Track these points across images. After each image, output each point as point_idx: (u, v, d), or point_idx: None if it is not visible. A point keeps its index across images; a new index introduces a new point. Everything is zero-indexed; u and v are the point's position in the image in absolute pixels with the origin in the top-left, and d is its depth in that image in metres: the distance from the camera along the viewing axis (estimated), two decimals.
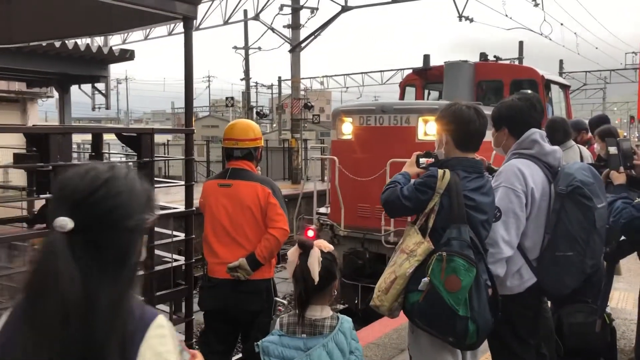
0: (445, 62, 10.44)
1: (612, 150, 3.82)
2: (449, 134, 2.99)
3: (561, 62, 37.21)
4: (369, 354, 4.94)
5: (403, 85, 11.67)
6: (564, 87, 11.33)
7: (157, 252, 3.86)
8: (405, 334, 5.53)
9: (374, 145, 8.31)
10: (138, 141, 3.56)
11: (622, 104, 62.78)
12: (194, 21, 3.79)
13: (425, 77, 10.97)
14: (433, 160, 3.00)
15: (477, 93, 10.39)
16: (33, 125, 4.09)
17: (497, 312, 2.87)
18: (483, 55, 11.28)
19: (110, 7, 3.88)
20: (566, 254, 3.07)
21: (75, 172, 1.30)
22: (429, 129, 7.99)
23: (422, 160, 3.05)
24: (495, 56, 11.39)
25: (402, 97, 11.46)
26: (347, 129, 8.72)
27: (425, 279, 2.70)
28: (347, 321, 2.61)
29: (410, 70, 11.98)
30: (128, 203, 1.28)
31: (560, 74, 37.03)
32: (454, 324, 2.67)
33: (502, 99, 9.83)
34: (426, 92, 11.31)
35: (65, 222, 1.21)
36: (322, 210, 9.11)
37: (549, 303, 3.84)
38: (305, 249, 2.56)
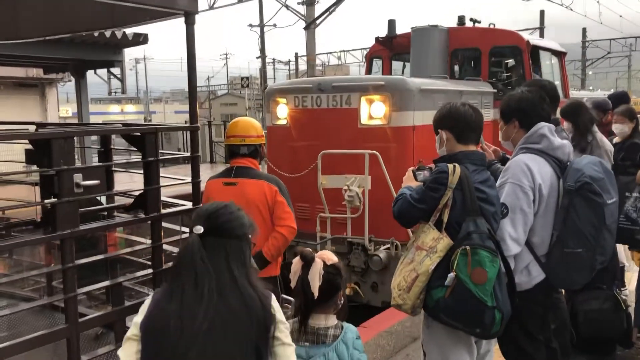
0: (412, 28, 8.84)
1: None
2: (449, 130, 3.03)
3: (584, 30, 36.29)
4: (382, 343, 4.93)
5: (369, 57, 10.06)
6: (558, 55, 9.73)
7: (166, 247, 3.86)
8: (419, 321, 5.52)
9: (311, 132, 7.02)
10: (142, 141, 3.55)
11: None
12: (194, 16, 3.76)
13: (391, 46, 9.37)
14: (428, 172, 2.99)
15: (452, 63, 8.91)
16: (36, 130, 4.10)
17: (515, 299, 2.92)
18: (460, 19, 9.50)
19: (113, 4, 3.87)
20: (575, 250, 3.02)
21: (208, 204, 2.06)
22: (374, 111, 6.63)
23: (418, 172, 3.06)
24: (472, 19, 9.61)
25: (368, 71, 9.94)
26: (282, 112, 7.34)
27: (452, 274, 2.73)
28: (351, 331, 2.58)
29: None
30: (238, 220, 1.98)
31: (584, 42, 36.16)
32: (483, 316, 2.72)
33: (480, 69, 9.35)
34: (400, 64, 9.67)
35: (199, 228, 1.87)
36: None
37: (564, 291, 3.79)
38: (307, 261, 2.53)
